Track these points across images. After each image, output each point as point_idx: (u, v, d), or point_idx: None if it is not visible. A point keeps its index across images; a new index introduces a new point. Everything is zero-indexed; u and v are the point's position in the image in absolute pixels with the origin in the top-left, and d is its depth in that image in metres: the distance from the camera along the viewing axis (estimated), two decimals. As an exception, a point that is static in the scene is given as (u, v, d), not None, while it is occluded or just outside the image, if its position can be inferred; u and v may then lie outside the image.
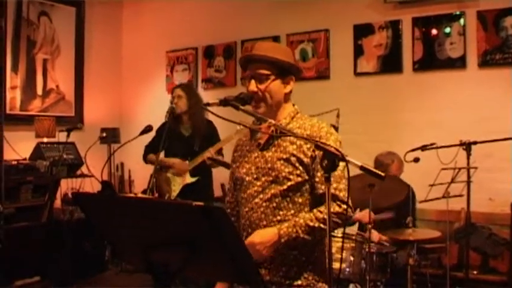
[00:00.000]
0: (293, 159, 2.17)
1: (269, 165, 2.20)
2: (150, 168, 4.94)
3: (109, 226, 1.82)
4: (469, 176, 3.93)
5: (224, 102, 2.11)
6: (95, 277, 6.07)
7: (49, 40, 6.51)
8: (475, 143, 3.94)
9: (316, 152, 2.15)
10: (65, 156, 5.56)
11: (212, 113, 2.04)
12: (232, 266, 1.67)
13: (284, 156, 2.19)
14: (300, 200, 2.20)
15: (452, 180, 4.09)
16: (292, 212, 2.18)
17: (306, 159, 2.17)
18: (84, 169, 6.04)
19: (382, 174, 1.91)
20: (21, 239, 5.15)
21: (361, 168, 1.90)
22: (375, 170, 1.91)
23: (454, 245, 4.57)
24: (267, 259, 2.17)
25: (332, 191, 2.07)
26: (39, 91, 6.41)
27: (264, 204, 2.19)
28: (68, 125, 5.64)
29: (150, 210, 1.68)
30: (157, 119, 4.82)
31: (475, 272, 4.46)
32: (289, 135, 2.16)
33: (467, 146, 3.95)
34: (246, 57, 2.31)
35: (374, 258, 3.87)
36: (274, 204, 2.18)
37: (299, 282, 2.18)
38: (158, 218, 1.66)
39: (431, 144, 4.19)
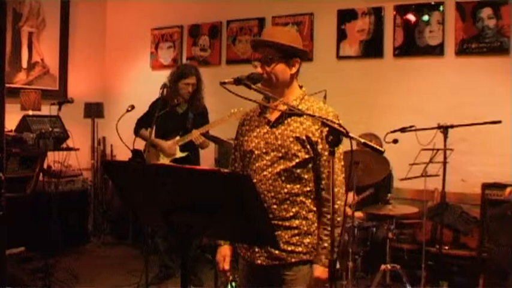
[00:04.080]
0: (302, 138, 2.37)
1: (279, 142, 2.40)
2: (130, 144, 4.98)
3: (136, 192, 1.98)
4: (445, 157, 4.19)
5: (238, 81, 2.28)
6: (78, 248, 6.21)
7: (34, 13, 6.53)
8: (451, 126, 4.18)
9: (324, 134, 2.34)
10: (50, 129, 5.63)
11: (229, 90, 2.20)
12: (252, 229, 1.85)
13: (294, 135, 2.38)
14: (306, 176, 2.40)
15: (431, 160, 4.34)
16: (298, 186, 2.39)
17: (314, 138, 2.37)
18: (69, 142, 6.14)
19: (382, 149, 2.13)
20: (7, 209, 5.21)
21: (364, 144, 2.12)
22: (375, 146, 2.12)
23: (428, 222, 4.82)
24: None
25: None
26: (24, 64, 6.45)
27: (272, 177, 2.38)
28: (52, 98, 5.71)
29: (178, 177, 1.85)
30: (142, 94, 4.92)
31: (446, 248, 4.73)
32: (299, 113, 2.34)
33: (444, 129, 4.20)
34: (253, 42, 2.51)
35: (355, 232, 4.13)
36: (283, 178, 2.38)
37: (300, 248, 2.40)
38: (185, 184, 1.83)
39: (411, 127, 4.41)
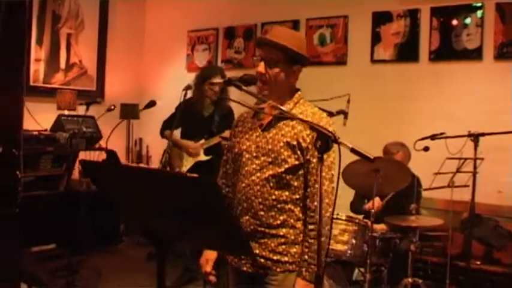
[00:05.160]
0: (293, 143, 2.26)
1: (269, 146, 2.30)
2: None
3: (112, 193, 1.94)
4: (475, 167, 3.98)
5: (228, 82, 2.20)
6: (110, 248, 6.27)
7: (73, 15, 6.66)
8: (482, 134, 3.99)
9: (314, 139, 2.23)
10: (84, 129, 5.72)
11: (214, 91, 2.13)
12: (223, 237, 1.77)
13: (285, 140, 2.27)
14: (296, 183, 2.29)
15: (458, 170, 4.14)
16: (287, 193, 2.28)
17: (304, 144, 2.26)
18: (102, 142, 6.22)
19: (371, 156, 1.99)
20: (39, 206, 5.32)
21: (352, 150, 1.99)
22: (364, 153, 1.99)
23: (460, 235, 4.59)
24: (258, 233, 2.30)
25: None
26: (62, 65, 6.58)
27: (261, 182, 2.29)
28: (88, 99, 5.80)
29: (147, 180, 1.78)
30: (177, 96, 4.90)
31: (478, 263, 4.50)
32: (288, 117, 2.24)
33: (475, 137, 3.99)
34: (260, 40, 2.39)
35: (377, 243, 3.96)
36: (271, 184, 2.27)
37: (286, 258, 2.30)
38: (155, 187, 1.77)
39: (441, 134, 4.24)
